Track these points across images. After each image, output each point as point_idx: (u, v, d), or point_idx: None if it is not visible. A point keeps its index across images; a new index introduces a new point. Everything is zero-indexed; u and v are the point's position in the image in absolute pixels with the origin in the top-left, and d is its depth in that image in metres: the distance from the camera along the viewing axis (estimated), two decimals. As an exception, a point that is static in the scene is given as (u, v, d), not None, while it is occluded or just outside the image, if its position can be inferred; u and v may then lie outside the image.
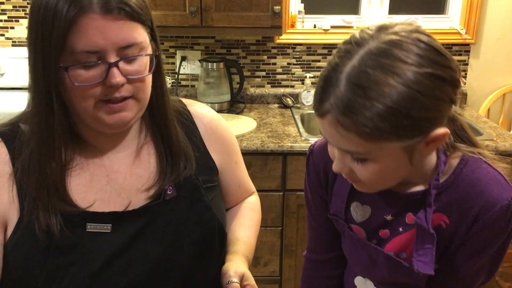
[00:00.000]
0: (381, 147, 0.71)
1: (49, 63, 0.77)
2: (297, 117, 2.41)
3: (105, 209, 0.87)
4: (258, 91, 2.62)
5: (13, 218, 0.84)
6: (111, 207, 0.88)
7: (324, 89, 0.71)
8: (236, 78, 2.52)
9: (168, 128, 0.93)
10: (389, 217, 0.87)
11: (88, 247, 0.84)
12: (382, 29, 0.72)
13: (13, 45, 2.50)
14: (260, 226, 2.12)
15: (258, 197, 1.21)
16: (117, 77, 0.78)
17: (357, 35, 0.72)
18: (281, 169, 2.09)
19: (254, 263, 2.22)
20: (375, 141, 0.70)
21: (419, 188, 0.83)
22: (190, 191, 0.93)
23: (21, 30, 2.49)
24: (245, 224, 1.09)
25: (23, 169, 0.84)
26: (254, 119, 2.36)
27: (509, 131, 2.58)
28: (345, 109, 0.68)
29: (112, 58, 0.78)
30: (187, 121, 1.00)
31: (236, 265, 0.94)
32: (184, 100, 1.05)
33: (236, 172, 1.09)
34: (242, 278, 0.92)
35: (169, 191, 0.90)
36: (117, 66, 0.79)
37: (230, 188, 1.08)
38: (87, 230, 0.85)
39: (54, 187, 0.83)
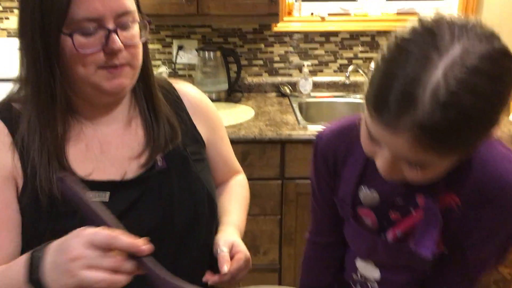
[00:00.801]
0: (453, 156, 0.69)
1: (49, 33, 0.81)
2: (295, 105, 2.40)
3: (102, 177, 0.91)
4: (256, 80, 2.61)
5: (19, 183, 0.87)
6: (107, 176, 0.91)
7: (401, 103, 0.63)
8: (234, 67, 2.50)
9: (152, 96, 0.97)
10: (399, 200, 0.85)
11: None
12: (461, 30, 0.65)
13: (8, 36, 2.48)
14: (259, 215, 2.14)
15: (245, 176, 1.24)
16: (117, 42, 0.83)
17: (431, 35, 0.65)
18: (279, 158, 2.08)
19: (254, 252, 2.22)
20: (452, 155, 0.68)
21: None
22: (179, 162, 0.97)
23: (16, 21, 2.46)
24: (235, 198, 1.14)
25: (23, 139, 0.87)
26: (252, 108, 2.35)
27: (507, 116, 2.57)
28: (433, 132, 0.63)
29: (110, 25, 0.83)
30: (173, 96, 1.04)
31: (226, 235, 0.99)
32: (170, 79, 1.09)
33: (222, 149, 1.13)
34: (231, 247, 0.95)
35: (160, 163, 0.95)
36: (116, 32, 0.83)
37: (216, 165, 1.11)
38: None
39: (54, 155, 0.86)
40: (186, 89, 1.08)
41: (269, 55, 2.59)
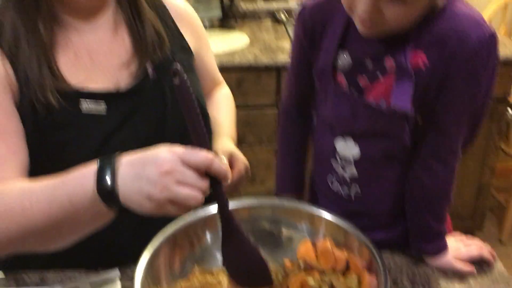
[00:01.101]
0: None
1: None
2: (291, 32, 2.32)
3: (96, 87, 0.89)
4: (250, 6, 2.51)
5: (15, 92, 0.85)
6: (101, 85, 0.90)
7: None
8: (227, -7, 2.41)
9: (136, 2, 0.94)
10: (368, 61, 0.86)
11: (84, 128, 0.87)
12: None
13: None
14: (255, 144, 2.13)
15: (228, 87, 1.25)
16: None
17: None
18: (275, 84, 2.03)
19: (250, 181, 2.22)
20: None
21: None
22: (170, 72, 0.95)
23: None
24: (224, 110, 1.15)
25: (10, 47, 0.84)
26: (247, 35, 2.28)
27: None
28: None
29: None
30: (158, 4, 1.01)
31: (223, 145, 1.01)
32: None
33: (207, 58, 1.12)
34: (230, 157, 0.98)
35: (151, 75, 0.93)
36: None
37: (202, 75, 1.10)
38: (82, 112, 0.87)
39: (44, 62, 0.84)
40: None
41: (264, -20, 2.48)
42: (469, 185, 2.31)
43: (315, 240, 0.89)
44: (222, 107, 1.16)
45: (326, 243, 0.87)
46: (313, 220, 0.91)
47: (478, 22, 0.78)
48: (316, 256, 0.87)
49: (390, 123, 0.86)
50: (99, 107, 0.88)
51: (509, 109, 2.23)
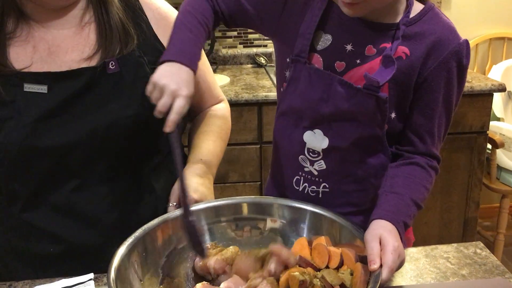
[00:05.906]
0: None
1: None
2: (272, 74, 2.36)
3: (41, 70, 0.90)
4: (231, 51, 2.56)
5: None
6: (47, 69, 0.91)
7: None
8: (207, 38, 2.45)
9: (107, 2, 0.95)
10: (349, 47, 0.88)
11: (24, 104, 0.89)
12: None
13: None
14: (238, 182, 2.09)
15: (228, 104, 1.19)
16: None
17: None
18: (256, 121, 2.03)
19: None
20: None
21: (387, 21, 0.87)
22: (134, 67, 0.95)
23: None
24: (207, 131, 1.09)
25: None
26: (228, 76, 2.30)
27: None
28: None
29: None
30: (134, 6, 1.00)
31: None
32: None
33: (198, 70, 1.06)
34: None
35: (112, 66, 0.93)
36: None
37: None
38: (24, 90, 0.89)
39: None
40: (150, 1, 1.03)
41: (243, 27, 2.55)
42: (455, 220, 2.28)
43: (310, 236, 0.87)
44: (205, 127, 1.10)
45: (321, 240, 0.83)
46: (300, 214, 0.88)
47: (454, 29, 0.88)
48: (311, 253, 0.83)
49: (361, 104, 0.86)
50: (41, 86, 0.89)
51: (488, 145, 2.25)
